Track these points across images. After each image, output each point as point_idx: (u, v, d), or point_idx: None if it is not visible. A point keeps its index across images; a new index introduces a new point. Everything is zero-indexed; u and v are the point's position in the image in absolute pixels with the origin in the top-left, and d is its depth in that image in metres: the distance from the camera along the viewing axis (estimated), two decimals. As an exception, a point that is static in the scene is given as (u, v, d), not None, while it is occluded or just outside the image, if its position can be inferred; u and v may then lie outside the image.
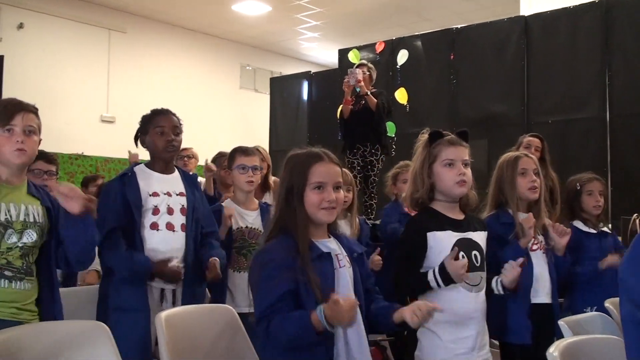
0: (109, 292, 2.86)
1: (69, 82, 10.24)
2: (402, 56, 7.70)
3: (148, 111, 3.03)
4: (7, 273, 2.20)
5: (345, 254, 2.07)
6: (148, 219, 2.86)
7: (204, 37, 12.30)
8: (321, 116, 9.09)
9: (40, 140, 2.34)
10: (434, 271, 2.23)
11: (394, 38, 8.25)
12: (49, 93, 9.44)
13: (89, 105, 10.53)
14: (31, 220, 2.27)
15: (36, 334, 2.05)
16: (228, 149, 3.58)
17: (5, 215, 2.21)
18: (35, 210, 2.30)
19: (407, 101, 7.42)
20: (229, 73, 12.85)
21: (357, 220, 3.71)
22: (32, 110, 2.31)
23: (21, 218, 2.24)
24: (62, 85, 10.03)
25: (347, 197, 3.33)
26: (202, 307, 2.58)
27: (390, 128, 6.47)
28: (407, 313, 1.95)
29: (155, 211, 2.87)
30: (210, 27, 12.02)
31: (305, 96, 9.94)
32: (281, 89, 10.39)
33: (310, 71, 10.23)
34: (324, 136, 7.98)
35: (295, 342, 1.85)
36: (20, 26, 9.84)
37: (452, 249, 2.22)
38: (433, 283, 2.23)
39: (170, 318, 2.24)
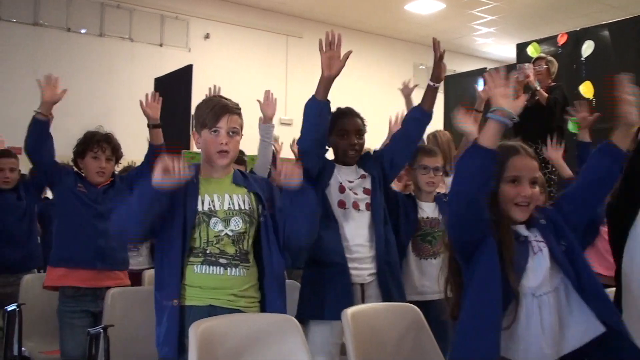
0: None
1: (251, 86, 10.71)
2: (588, 47, 7.24)
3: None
4: (221, 260, 2.27)
5: (542, 240, 1.92)
6: (335, 196, 2.86)
7: (377, 38, 12.40)
8: (498, 114, 8.79)
9: (241, 136, 2.41)
10: None
11: (577, 29, 7.77)
12: (233, 98, 9.91)
13: (269, 109, 11.02)
14: (236, 208, 2.32)
15: (237, 324, 2.17)
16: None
17: (209, 205, 2.30)
18: (240, 198, 2.36)
19: (594, 95, 6.98)
20: (402, 73, 12.76)
21: None
22: (237, 111, 2.41)
23: (225, 207, 2.31)
24: (245, 90, 10.47)
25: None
26: (387, 304, 2.59)
27: (573, 124, 6.11)
28: None
29: (342, 188, 2.87)
30: (383, 28, 12.09)
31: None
32: (455, 87, 10.19)
33: (485, 68, 9.93)
34: (501, 134, 7.71)
35: None
36: (207, 36, 10.54)
37: None
38: None
39: (357, 315, 2.28)
